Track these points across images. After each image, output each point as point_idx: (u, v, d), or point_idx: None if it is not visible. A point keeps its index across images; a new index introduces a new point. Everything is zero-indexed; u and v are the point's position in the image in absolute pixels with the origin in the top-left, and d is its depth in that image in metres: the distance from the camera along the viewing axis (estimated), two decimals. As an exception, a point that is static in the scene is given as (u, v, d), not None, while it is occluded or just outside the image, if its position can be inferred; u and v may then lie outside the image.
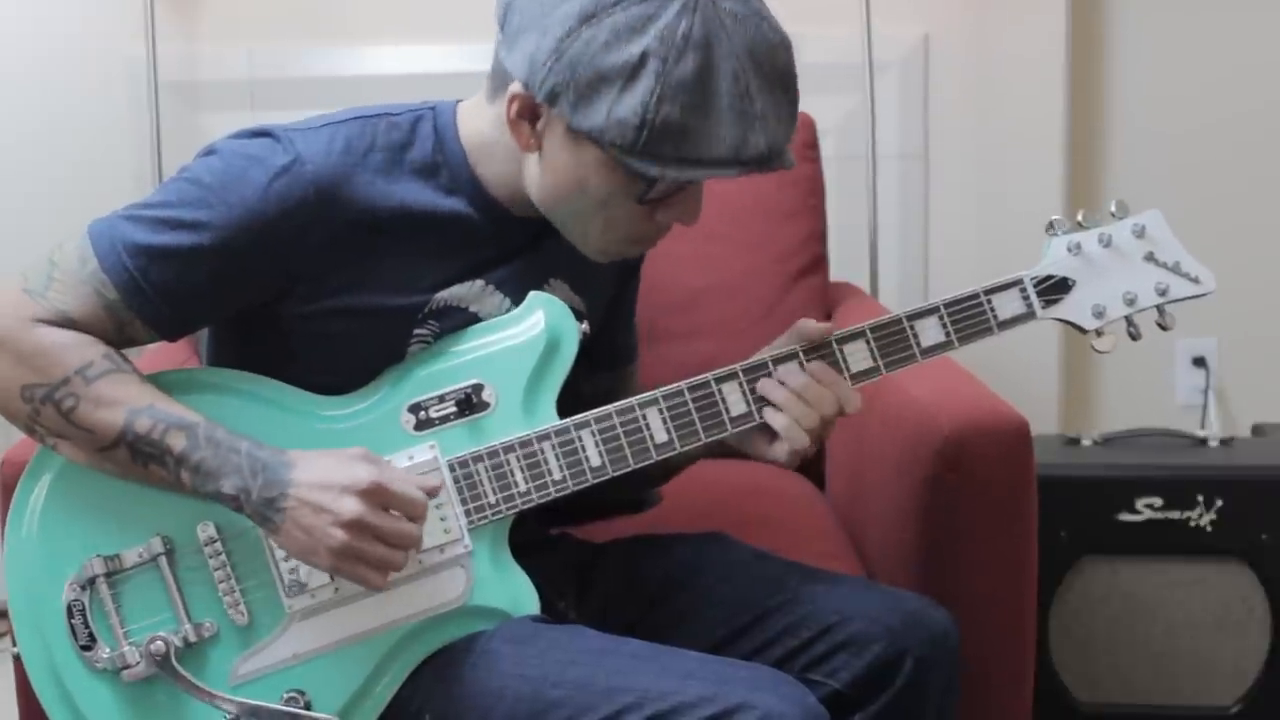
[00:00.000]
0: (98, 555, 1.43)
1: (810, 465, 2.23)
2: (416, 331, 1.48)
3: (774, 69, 1.37)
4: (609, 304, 1.68)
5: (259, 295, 1.45)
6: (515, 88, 1.39)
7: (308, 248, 1.42)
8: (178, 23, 2.68)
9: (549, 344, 1.49)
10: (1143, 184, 2.81)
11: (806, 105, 2.51)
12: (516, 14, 1.39)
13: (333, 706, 1.43)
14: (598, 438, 1.46)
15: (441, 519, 1.45)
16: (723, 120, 1.35)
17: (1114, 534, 2.28)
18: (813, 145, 2.41)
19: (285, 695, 1.43)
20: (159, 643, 1.41)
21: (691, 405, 1.47)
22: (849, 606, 1.50)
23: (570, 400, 1.49)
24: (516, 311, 1.51)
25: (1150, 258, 1.51)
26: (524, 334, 1.49)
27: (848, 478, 2.11)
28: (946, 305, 1.50)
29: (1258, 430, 2.60)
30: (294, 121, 1.48)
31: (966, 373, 1.86)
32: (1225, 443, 2.40)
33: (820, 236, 2.40)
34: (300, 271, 1.44)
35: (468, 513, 1.45)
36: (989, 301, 1.50)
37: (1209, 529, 2.26)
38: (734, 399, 1.48)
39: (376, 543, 1.36)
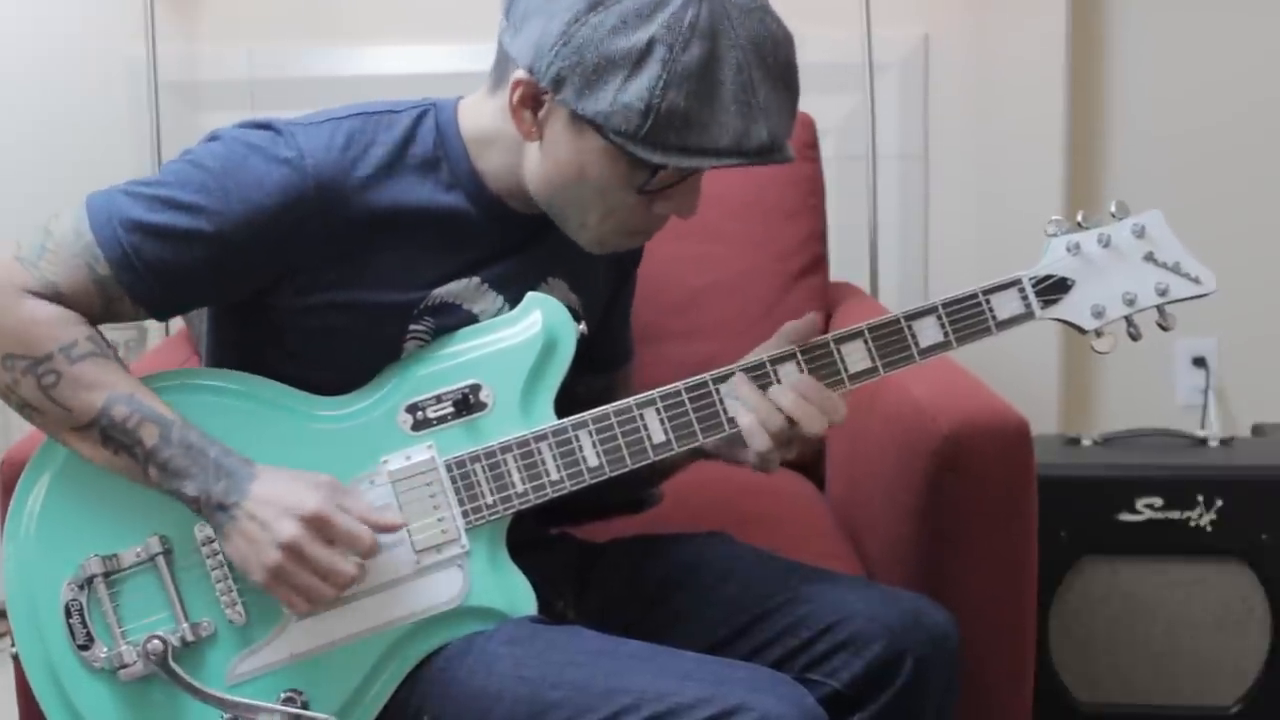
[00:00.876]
0: (96, 555, 1.43)
1: (810, 465, 2.23)
2: (412, 328, 1.48)
3: (777, 62, 1.38)
4: (606, 304, 1.68)
5: (253, 284, 1.46)
6: (519, 74, 1.40)
7: (305, 241, 1.43)
8: (178, 23, 2.68)
9: (546, 344, 1.49)
10: (1143, 184, 2.81)
11: (806, 105, 2.50)
12: (522, 1, 1.40)
13: (330, 707, 1.43)
14: (595, 438, 1.46)
15: (439, 519, 1.45)
16: (726, 110, 1.35)
17: (1114, 534, 2.27)
18: (813, 145, 2.41)
19: (282, 695, 1.43)
20: (156, 642, 1.41)
21: (689, 406, 1.47)
22: (848, 606, 1.50)
23: (565, 401, 1.49)
24: (514, 312, 1.51)
25: (1150, 258, 1.51)
26: (522, 334, 1.49)
27: (847, 478, 2.11)
28: (945, 305, 1.49)
29: (1258, 430, 2.60)
30: (296, 116, 1.48)
31: (967, 372, 1.86)
32: (1225, 443, 2.40)
33: (820, 236, 2.40)
34: (296, 264, 1.44)
35: (465, 513, 1.45)
36: (987, 301, 1.49)
37: (1209, 529, 2.26)
38: (732, 400, 1.48)
39: (306, 571, 1.36)
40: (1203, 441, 2.41)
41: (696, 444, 1.48)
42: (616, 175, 1.41)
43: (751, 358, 1.49)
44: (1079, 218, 1.52)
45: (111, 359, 1.42)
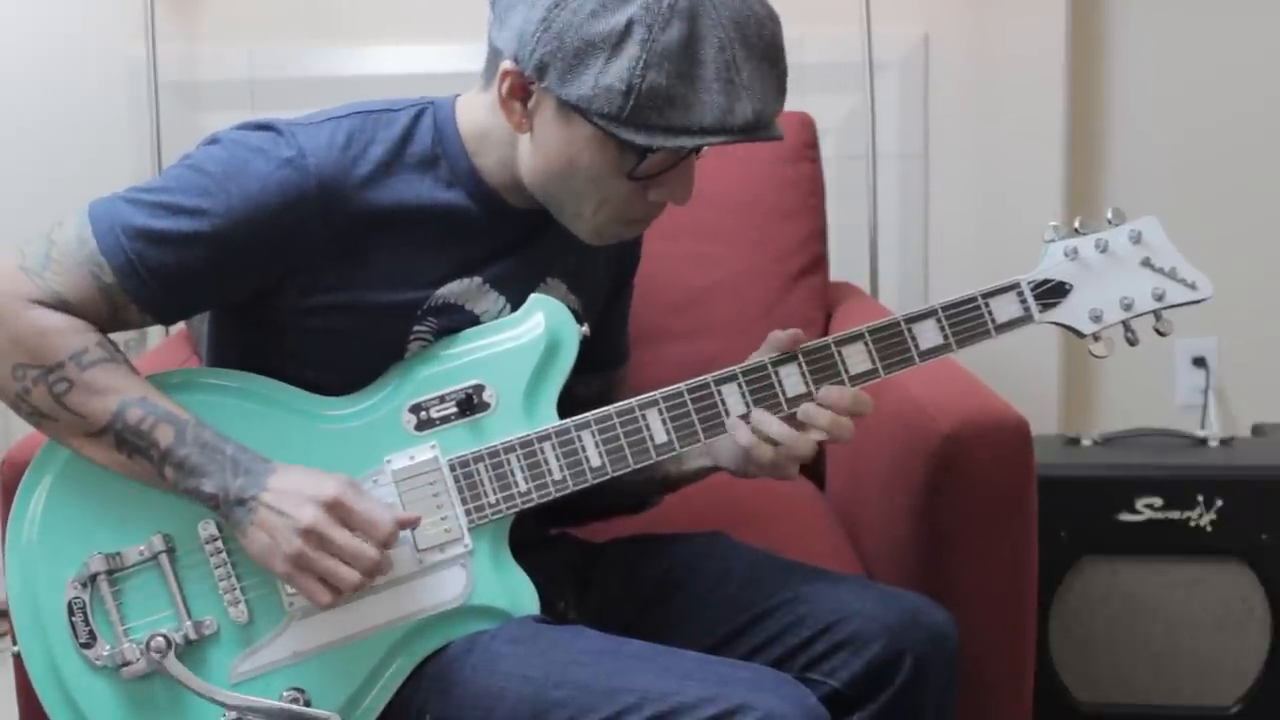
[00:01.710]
0: (99, 553, 1.43)
1: (810, 465, 2.23)
2: (416, 329, 1.49)
3: (760, 40, 1.38)
4: (604, 306, 1.68)
5: (256, 285, 1.46)
6: (506, 64, 1.40)
7: (307, 241, 1.43)
8: (178, 23, 2.68)
9: (549, 345, 1.49)
10: (1142, 184, 2.81)
11: (806, 105, 2.51)
12: None
13: (332, 705, 1.43)
14: (598, 438, 1.47)
15: (442, 518, 1.45)
16: (709, 88, 1.35)
17: (1114, 534, 2.28)
18: (813, 145, 2.41)
19: (285, 693, 1.43)
20: (159, 640, 1.41)
21: (691, 407, 1.47)
22: (848, 606, 1.50)
23: (562, 402, 1.50)
24: (517, 313, 1.51)
25: (1147, 263, 1.51)
26: (525, 335, 1.49)
27: (847, 477, 2.11)
28: (944, 308, 1.50)
29: (1258, 430, 2.60)
30: (296, 116, 1.48)
31: (967, 372, 1.86)
32: (1225, 443, 2.40)
33: (820, 236, 2.40)
34: (298, 264, 1.44)
35: (468, 512, 1.46)
36: (987, 305, 1.50)
37: (1209, 529, 2.26)
38: (734, 400, 1.48)
39: (328, 556, 1.36)
40: (1203, 441, 2.41)
41: (698, 443, 1.48)
42: (606, 162, 1.41)
43: (753, 360, 1.49)
44: (1076, 223, 1.53)
45: (122, 363, 1.42)
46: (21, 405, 1.41)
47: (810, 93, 2.46)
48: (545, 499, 1.46)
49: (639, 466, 1.47)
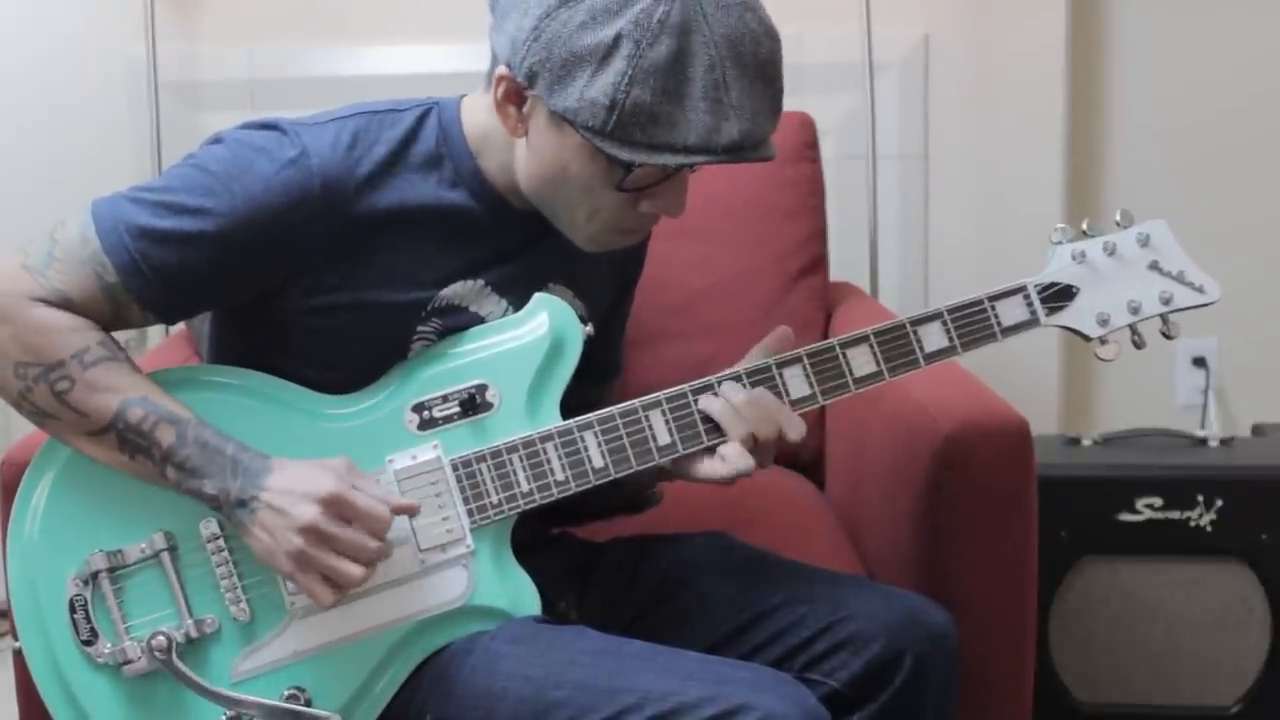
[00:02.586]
0: (100, 551, 1.43)
1: (810, 465, 2.23)
2: (419, 329, 1.49)
3: (755, 59, 1.37)
4: (606, 314, 1.68)
5: (259, 285, 1.46)
6: (500, 69, 1.40)
7: (311, 240, 1.43)
8: (178, 23, 2.68)
9: (553, 345, 1.49)
10: (1143, 184, 2.81)
11: (806, 105, 2.51)
12: None
13: (333, 704, 1.43)
14: (600, 439, 1.47)
15: (444, 519, 1.45)
16: (695, 107, 1.35)
17: (1114, 534, 2.28)
18: (813, 145, 2.41)
19: (286, 692, 1.43)
20: (161, 638, 1.41)
21: (694, 408, 1.47)
22: (848, 606, 1.50)
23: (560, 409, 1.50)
24: (521, 313, 1.51)
25: (1155, 266, 1.51)
26: (528, 335, 1.49)
27: (848, 477, 2.11)
28: (950, 311, 1.50)
29: (1258, 430, 2.60)
30: (300, 115, 1.48)
31: (967, 373, 1.86)
32: (1225, 443, 2.40)
33: (820, 236, 2.40)
34: (302, 264, 1.44)
35: (470, 512, 1.46)
36: (993, 308, 1.50)
37: (1209, 529, 2.26)
38: (736, 401, 1.48)
39: (330, 553, 1.36)
40: (1203, 441, 2.41)
41: (702, 446, 1.48)
42: (596, 172, 1.41)
43: (754, 361, 1.49)
44: (1084, 225, 1.52)
45: (124, 362, 1.42)
46: (24, 404, 1.41)
47: (810, 93, 2.46)
48: (548, 499, 1.46)
49: (642, 468, 1.47)
